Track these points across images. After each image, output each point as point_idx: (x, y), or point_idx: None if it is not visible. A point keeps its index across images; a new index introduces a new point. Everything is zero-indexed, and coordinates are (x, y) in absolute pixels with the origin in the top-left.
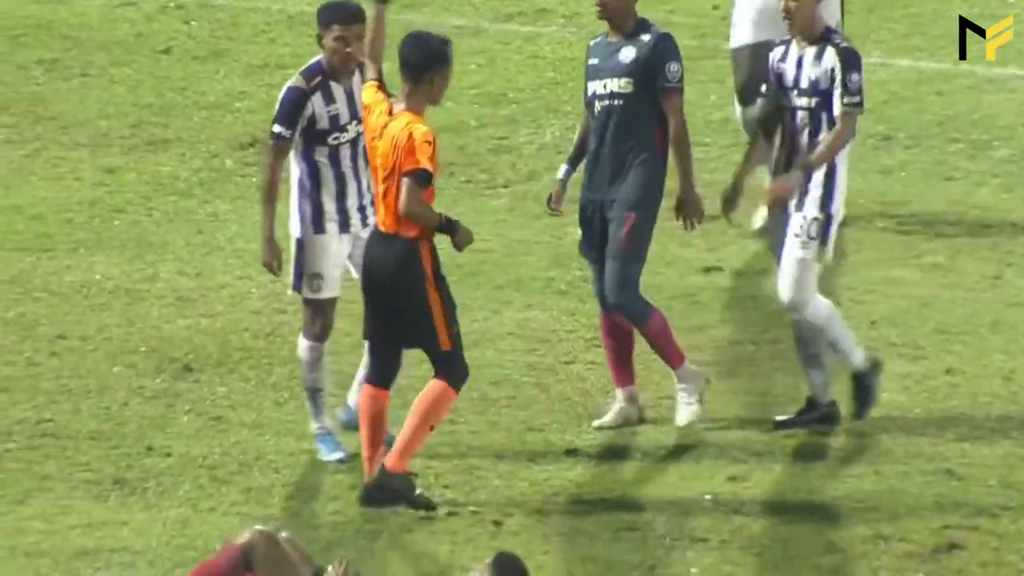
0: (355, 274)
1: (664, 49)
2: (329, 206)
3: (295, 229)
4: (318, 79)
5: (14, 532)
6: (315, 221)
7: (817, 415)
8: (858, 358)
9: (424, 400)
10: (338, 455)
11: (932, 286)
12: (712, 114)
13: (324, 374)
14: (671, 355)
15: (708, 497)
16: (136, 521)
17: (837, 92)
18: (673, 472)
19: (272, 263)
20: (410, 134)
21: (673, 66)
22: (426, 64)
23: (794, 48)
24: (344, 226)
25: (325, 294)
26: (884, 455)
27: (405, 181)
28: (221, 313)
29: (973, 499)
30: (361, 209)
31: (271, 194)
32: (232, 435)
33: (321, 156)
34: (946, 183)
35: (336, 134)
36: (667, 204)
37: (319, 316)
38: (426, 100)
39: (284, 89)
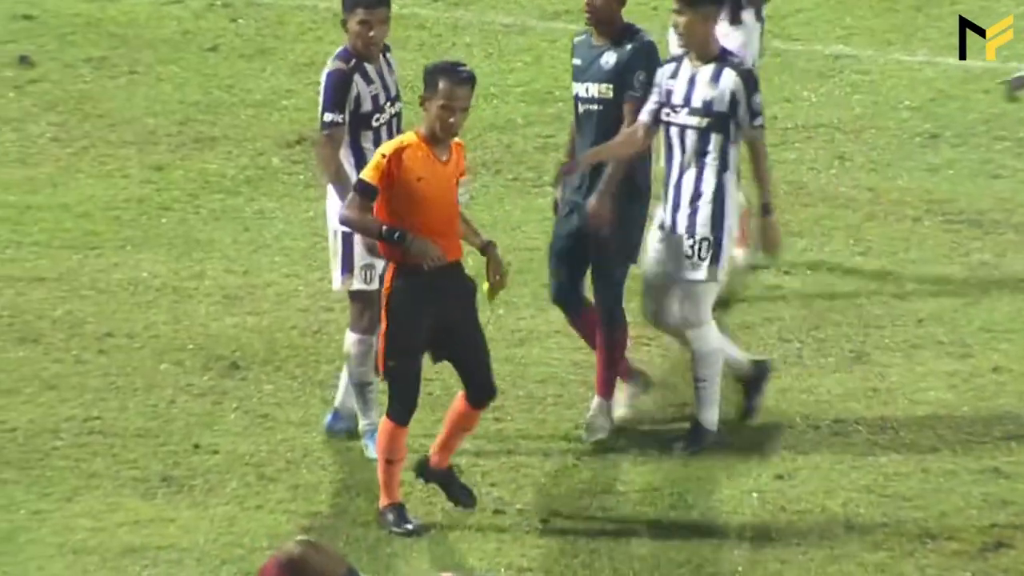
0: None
1: (638, 56)
2: None
3: None
4: (354, 61)
5: (62, 529)
6: None
7: (757, 387)
8: (747, 368)
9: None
10: None
11: (979, 284)
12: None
13: (372, 368)
14: (610, 380)
15: (755, 495)
16: (183, 519)
17: (742, 115)
18: (719, 470)
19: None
20: None
21: (641, 76)
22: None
23: (687, 65)
24: None
25: (376, 285)
26: (931, 453)
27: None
28: (268, 311)
29: (1021, 497)
30: None
31: (342, 181)
32: (279, 433)
33: (367, 142)
34: (993, 181)
35: (377, 115)
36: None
37: (368, 309)
38: (426, 123)
39: (325, 75)
